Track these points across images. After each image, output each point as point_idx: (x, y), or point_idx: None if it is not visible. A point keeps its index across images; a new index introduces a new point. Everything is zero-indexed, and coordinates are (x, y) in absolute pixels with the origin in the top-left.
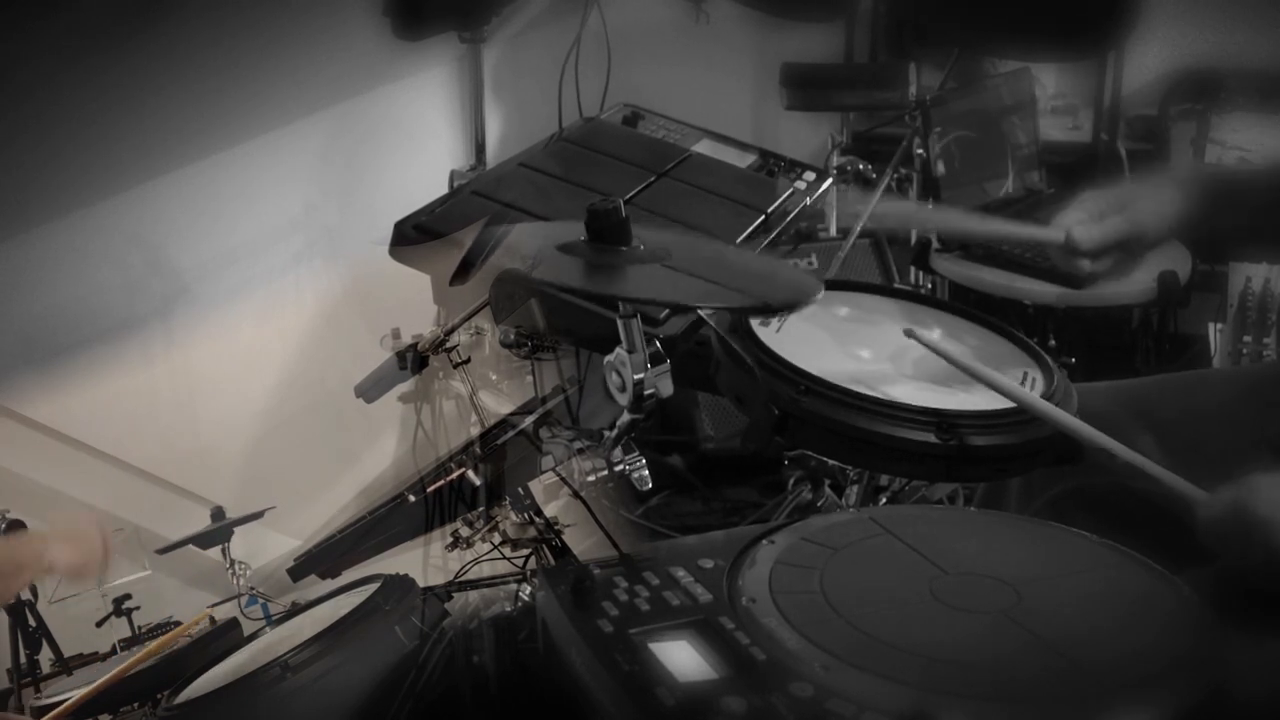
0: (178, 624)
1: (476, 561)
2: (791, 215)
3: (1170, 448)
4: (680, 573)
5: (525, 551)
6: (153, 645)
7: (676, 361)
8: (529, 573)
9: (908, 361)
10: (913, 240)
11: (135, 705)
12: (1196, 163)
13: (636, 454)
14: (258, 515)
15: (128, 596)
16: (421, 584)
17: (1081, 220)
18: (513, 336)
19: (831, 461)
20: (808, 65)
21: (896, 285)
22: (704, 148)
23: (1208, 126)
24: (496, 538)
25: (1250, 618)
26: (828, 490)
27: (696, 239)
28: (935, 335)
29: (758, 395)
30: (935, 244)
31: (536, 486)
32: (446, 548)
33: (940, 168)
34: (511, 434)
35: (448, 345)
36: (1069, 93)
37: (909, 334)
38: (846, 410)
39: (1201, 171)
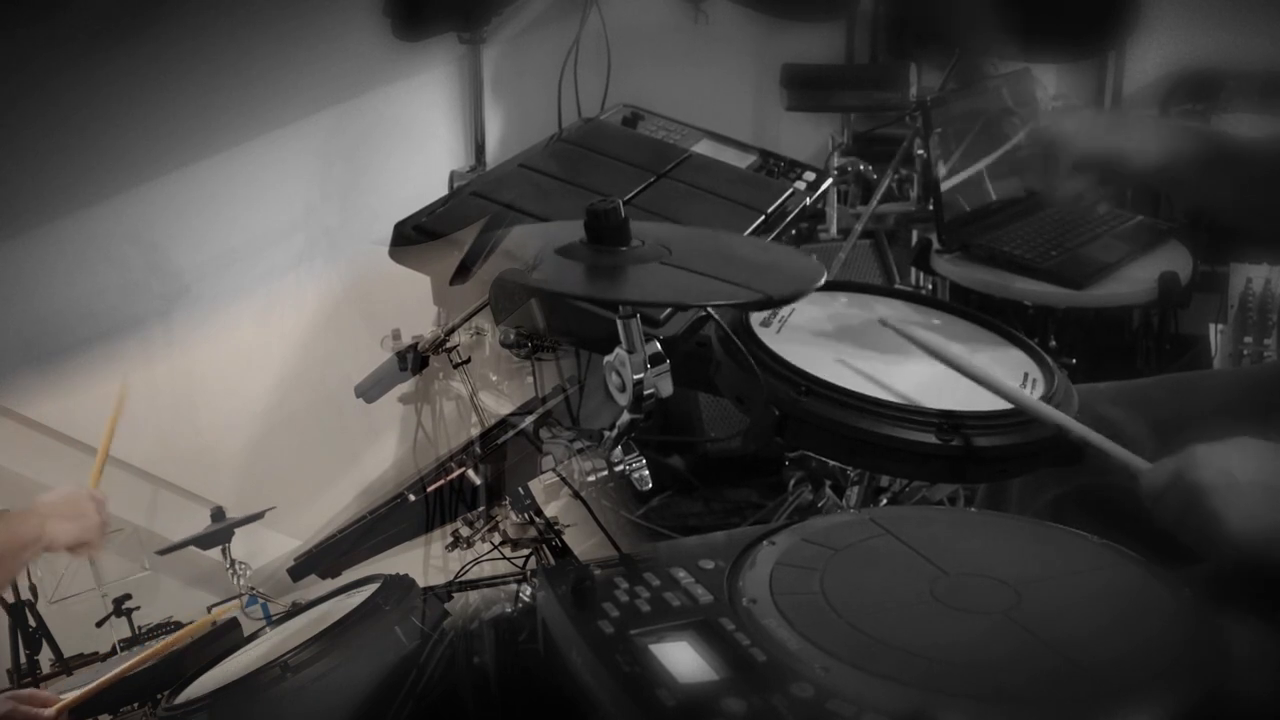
0: (178, 624)
1: (477, 561)
2: (791, 216)
3: (1171, 448)
4: (681, 574)
5: (525, 552)
6: (157, 646)
7: (677, 362)
8: (529, 573)
9: (908, 361)
10: (913, 240)
11: (135, 705)
12: (1197, 122)
13: (637, 454)
14: (258, 516)
15: (128, 596)
16: (421, 584)
17: (1071, 128)
18: (513, 337)
19: (832, 462)
20: (808, 66)
21: (897, 286)
22: (704, 148)
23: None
24: (496, 538)
25: (1251, 610)
26: (828, 491)
27: (695, 231)
28: (922, 333)
29: (758, 396)
30: (936, 245)
31: (537, 486)
32: (446, 548)
33: (941, 168)
34: (511, 434)
35: (448, 345)
36: (1069, 93)
37: (884, 324)
38: (847, 411)
39: (1199, 129)
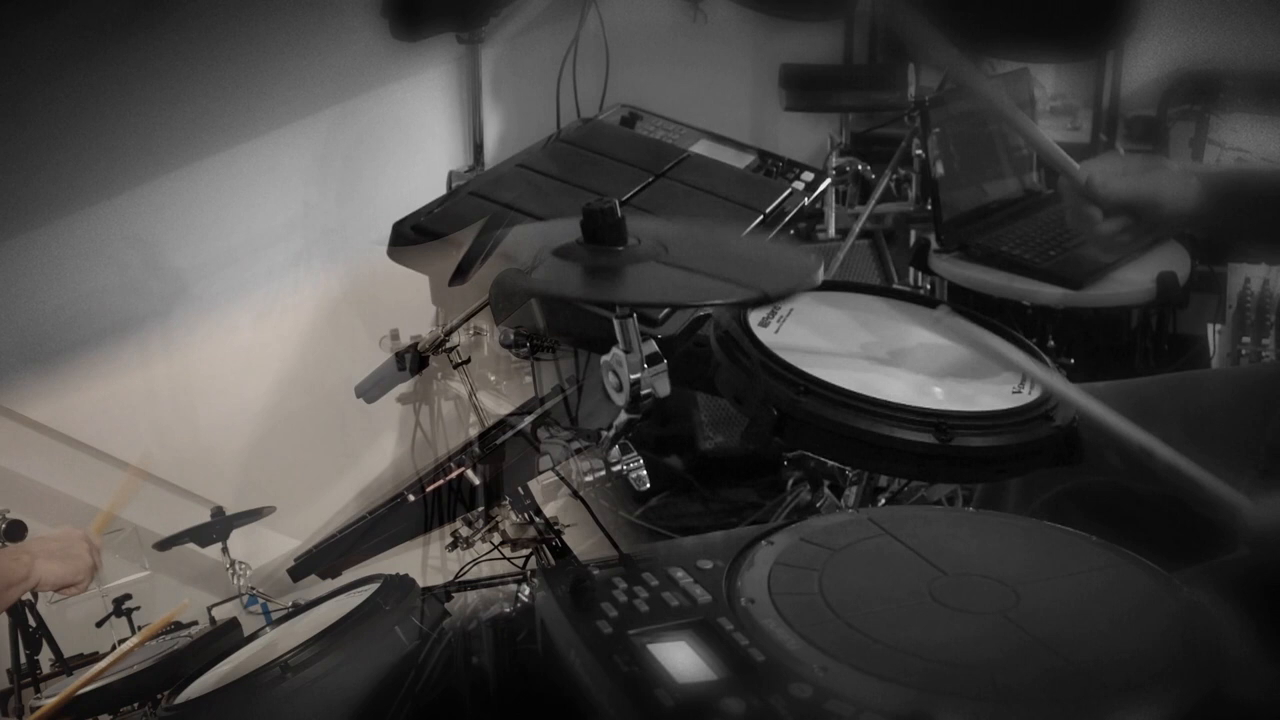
0: (178, 624)
1: (476, 562)
2: (790, 216)
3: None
4: (679, 574)
5: (525, 552)
6: (143, 634)
7: (675, 361)
8: (529, 573)
9: (907, 361)
10: (912, 240)
11: (135, 705)
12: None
13: (634, 454)
14: (257, 513)
15: (128, 596)
16: (421, 584)
17: (1105, 170)
18: (512, 337)
19: (830, 462)
20: (807, 66)
21: (895, 286)
22: (702, 148)
23: (1206, 127)
24: (496, 538)
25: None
26: (827, 491)
27: (692, 227)
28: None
29: (756, 395)
30: (934, 245)
31: (536, 487)
32: (446, 548)
33: (939, 169)
34: (510, 434)
35: (447, 346)
36: (1068, 94)
37: (942, 315)
38: (845, 411)
39: (1229, 172)
